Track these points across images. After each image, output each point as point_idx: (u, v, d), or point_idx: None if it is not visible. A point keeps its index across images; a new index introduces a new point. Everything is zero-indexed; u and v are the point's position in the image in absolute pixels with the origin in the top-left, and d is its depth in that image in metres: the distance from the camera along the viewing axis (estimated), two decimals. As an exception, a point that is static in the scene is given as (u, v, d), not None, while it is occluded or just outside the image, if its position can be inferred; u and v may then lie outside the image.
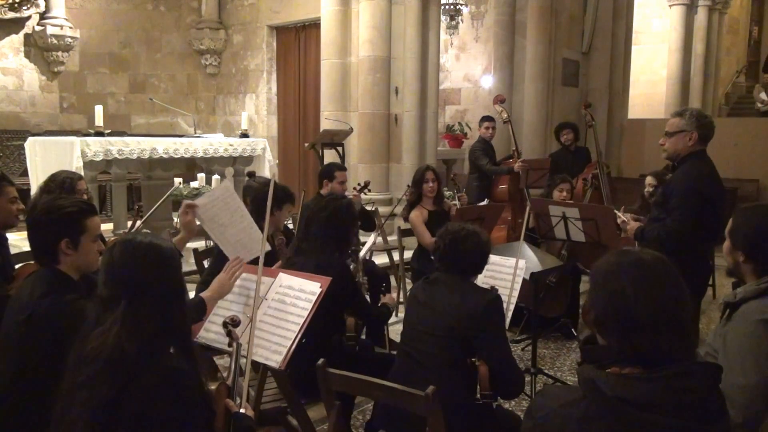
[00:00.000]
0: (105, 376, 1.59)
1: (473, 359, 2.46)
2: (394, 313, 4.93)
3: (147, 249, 1.73)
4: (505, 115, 7.08)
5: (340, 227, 3.02)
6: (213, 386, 1.84)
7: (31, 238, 2.22)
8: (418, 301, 2.59)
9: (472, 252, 2.59)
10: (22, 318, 2.03)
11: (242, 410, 1.86)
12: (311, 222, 3.04)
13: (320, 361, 2.16)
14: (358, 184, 5.07)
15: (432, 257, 2.80)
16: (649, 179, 4.83)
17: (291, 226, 4.80)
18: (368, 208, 5.33)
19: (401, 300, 4.92)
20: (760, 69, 16.20)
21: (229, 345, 2.17)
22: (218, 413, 1.80)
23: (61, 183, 3.66)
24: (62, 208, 2.19)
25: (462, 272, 2.59)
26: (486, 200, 5.76)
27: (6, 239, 3.13)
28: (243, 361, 2.20)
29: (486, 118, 6.89)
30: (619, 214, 3.84)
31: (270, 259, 3.46)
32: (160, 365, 1.63)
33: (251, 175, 6.33)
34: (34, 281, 2.16)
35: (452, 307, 2.46)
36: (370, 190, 5.25)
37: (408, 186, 5.08)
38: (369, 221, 4.98)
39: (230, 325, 2.21)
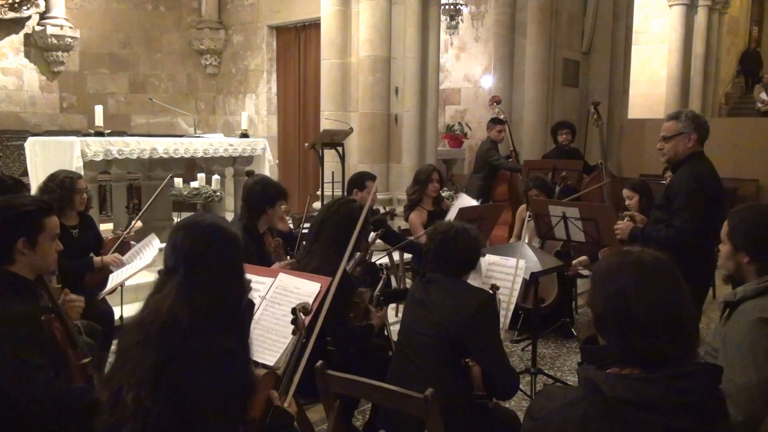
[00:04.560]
0: (157, 339, 1.66)
1: (467, 360, 2.45)
2: (394, 313, 4.97)
3: (207, 227, 1.81)
4: (501, 116, 7.09)
5: (351, 232, 2.96)
6: (261, 372, 1.86)
7: None
8: (415, 301, 2.58)
9: (464, 250, 2.58)
10: None
11: (285, 404, 1.85)
12: (324, 224, 3.05)
13: (319, 362, 2.15)
14: (384, 208, 4.94)
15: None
16: (626, 192, 4.80)
17: (291, 226, 4.79)
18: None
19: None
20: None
21: (293, 333, 2.15)
22: (257, 402, 1.80)
23: (60, 183, 3.65)
24: (19, 207, 2.12)
25: (455, 271, 2.58)
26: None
27: None
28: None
29: (498, 121, 6.89)
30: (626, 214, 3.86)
31: (267, 261, 3.47)
32: (212, 343, 1.68)
33: (250, 174, 6.34)
34: None
35: (446, 308, 2.45)
36: (396, 215, 5.04)
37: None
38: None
39: (301, 311, 2.16)
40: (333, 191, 6.94)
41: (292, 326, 2.19)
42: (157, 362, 1.64)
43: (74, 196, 3.70)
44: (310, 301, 2.47)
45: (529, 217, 4.61)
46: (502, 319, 2.87)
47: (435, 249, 2.58)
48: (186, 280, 1.73)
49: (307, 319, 2.17)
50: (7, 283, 2.07)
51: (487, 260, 3.33)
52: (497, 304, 2.72)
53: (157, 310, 1.71)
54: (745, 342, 1.92)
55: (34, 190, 5.27)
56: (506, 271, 3.26)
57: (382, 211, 5.10)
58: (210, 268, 1.75)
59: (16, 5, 8.93)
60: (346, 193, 4.89)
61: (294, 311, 2.15)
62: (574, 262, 4.48)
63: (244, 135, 7.09)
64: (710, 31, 13.64)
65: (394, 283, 5.12)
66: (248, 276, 2.63)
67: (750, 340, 1.91)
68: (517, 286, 3.23)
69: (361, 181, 4.70)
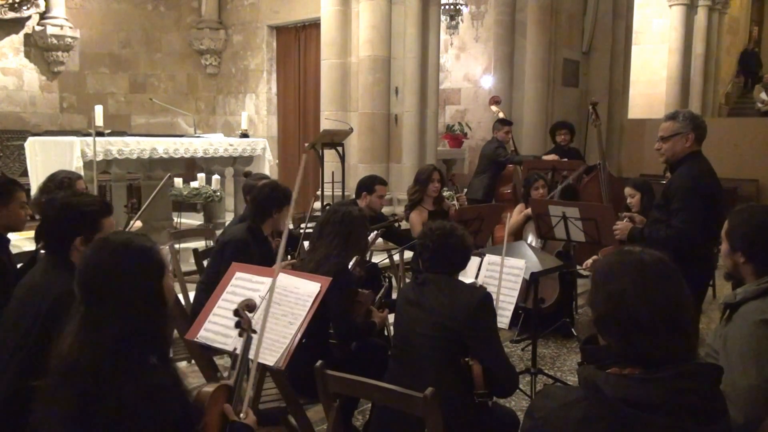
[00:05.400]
0: (63, 388, 1.50)
1: (466, 359, 2.46)
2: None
3: (114, 249, 1.60)
4: (501, 116, 7.09)
5: (351, 230, 3.10)
6: (211, 388, 1.69)
7: (47, 231, 2.28)
8: (409, 302, 2.59)
9: (459, 249, 2.61)
10: (49, 301, 2.03)
11: (242, 416, 1.71)
12: (325, 224, 3.16)
13: (318, 362, 2.15)
14: (394, 215, 4.93)
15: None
16: (628, 190, 4.81)
17: (291, 226, 4.79)
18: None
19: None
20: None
21: (240, 335, 1.96)
22: (210, 422, 1.65)
23: (59, 183, 3.65)
24: (82, 206, 2.25)
25: (451, 270, 2.61)
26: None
27: (8, 240, 3.12)
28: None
29: (506, 122, 6.89)
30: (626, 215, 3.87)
31: (271, 263, 3.47)
32: (135, 380, 1.50)
33: (247, 174, 6.35)
34: (46, 266, 2.19)
35: (443, 306, 2.46)
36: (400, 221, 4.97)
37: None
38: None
39: (245, 309, 1.97)
40: (333, 191, 6.94)
41: (295, 324, 2.15)
42: (73, 413, 1.46)
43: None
44: (310, 301, 2.46)
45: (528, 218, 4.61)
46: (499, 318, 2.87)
47: (433, 248, 2.59)
48: (89, 315, 1.53)
49: (253, 315, 1.99)
50: (69, 266, 2.14)
51: (487, 260, 3.33)
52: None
53: (59, 354, 1.52)
54: (746, 344, 1.91)
55: (34, 191, 5.27)
56: (506, 270, 3.26)
57: (390, 216, 5.11)
58: (118, 298, 1.53)
59: (16, 5, 8.93)
60: (354, 196, 4.89)
61: (237, 312, 1.97)
62: (587, 261, 4.51)
63: (244, 135, 7.09)
64: (710, 31, 13.65)
65: (394, 283, 5.12)
66: (248, 276, 2.65)
67: (751, 343, 1.91)
68: (517, 286, 3.23)
69: (370, 184, 4.69)
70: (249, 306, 1.99)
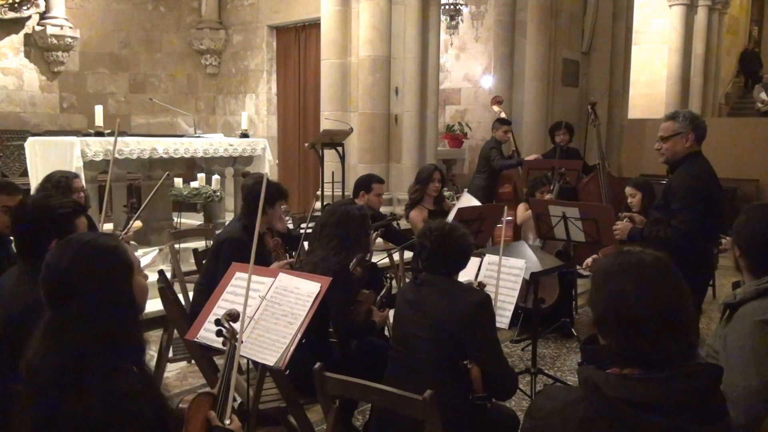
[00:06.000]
0: (29, 395, 1.45)
1: (465, 361, 2.44)
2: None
3: (78, 249, 1.52)
4: (503, 116, 7.10)
5: (350, 230, 3.11)
6: (193, 396, 1.66)
7: (21, 235, 2.23)
8: (408, 303, 2.56)
9: (458, 249, 2.58)
10: (20, 308, 1.95)
11: (227, 422, 1.69)
12: (325, 225, 3.18)
13: (317, 364, 2.14)
14: (392, 213, 4.96)
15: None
16: (629, 190, 4.82)
17: (291, 226, 4.79)
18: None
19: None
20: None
21: (224, 344, 1.93)
22: (193, 430, 1.62)
23: (56, 183, 3.66)
24: (54, 209, 2.21)
25: (449, 271, 2.58)
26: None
27: (9, 241, 3.07)
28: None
29: (505, 122, 6.90)
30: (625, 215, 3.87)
31: (266, 261, 3.47)
32: (100, 387, 1.43)
33: (245, 175, 6.34)
34: (18, 276, 2.12)
35: (442, 308, 2.43)
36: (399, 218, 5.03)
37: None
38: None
39: (229, 320, 1.95)
40: (333, 191, 6.94)
41: (295, 324, 2.14)
42: (39, 420, 1.42)
43: (70, 197, 3.70)
44: (310, 301, 2.46)
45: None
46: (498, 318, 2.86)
47: (431, 248, 2.56)
48: (52, 317, 1.48)
49: (237, 325, 1.98)
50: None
51: (487, 260, 3.33)
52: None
53: (25, 360, 1.48)
54: (746, 345, 1.91)
55: (33, 191, 5.26)
56: (505, 270, 3.26)
57: (388, 215, 5.12)
58: (79, 300, 1.47)
59: (16, 5, 8.92)
60: (352, 196, 4.90)
61: (219, 322, 1.94)
62: (587, 261, 4.52)
63: (244, 135, 7.09)
64: (710, 31, 13.64)
65: (394, 283, 5.12)
66: (245, 275, 2.65)
67: (751, 343, 1.91)
68: (517, 286, 3.23)
69: (367, 183, 4.71)
70: (232, 316, 1.97)
